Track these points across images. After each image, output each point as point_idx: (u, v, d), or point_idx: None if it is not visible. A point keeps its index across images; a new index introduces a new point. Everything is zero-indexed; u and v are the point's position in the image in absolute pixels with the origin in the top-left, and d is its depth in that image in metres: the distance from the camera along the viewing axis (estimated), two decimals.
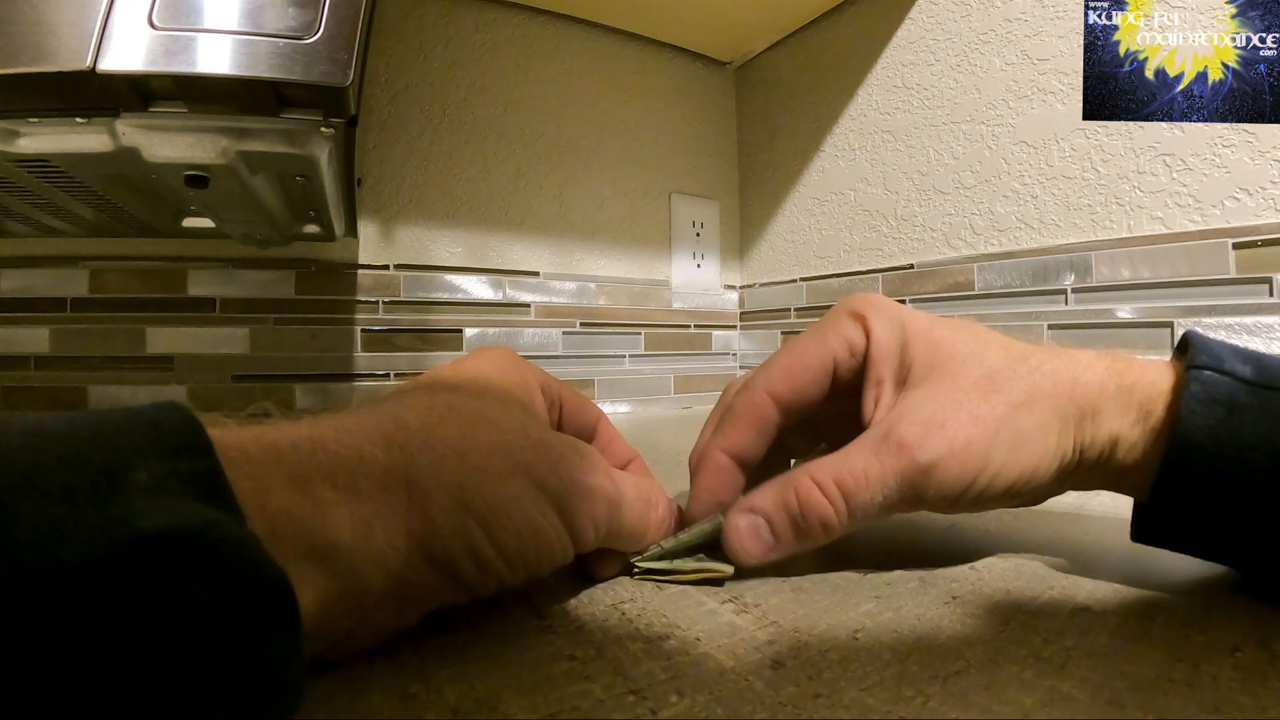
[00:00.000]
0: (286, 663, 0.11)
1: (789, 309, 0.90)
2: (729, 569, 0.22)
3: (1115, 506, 0.26)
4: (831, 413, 0.24)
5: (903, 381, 0.22)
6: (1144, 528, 0.22)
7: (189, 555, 0.10)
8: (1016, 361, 0.21)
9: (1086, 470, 0.21)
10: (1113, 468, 0.21)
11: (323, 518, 0.14)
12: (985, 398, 0.21)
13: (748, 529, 0.22)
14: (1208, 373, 0.19)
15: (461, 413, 0.19)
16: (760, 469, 0.25)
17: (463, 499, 0.17)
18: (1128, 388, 0.21)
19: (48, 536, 0.09)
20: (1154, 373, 0.21)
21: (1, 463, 0.10)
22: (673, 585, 0.22)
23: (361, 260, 0.73)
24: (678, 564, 0.23)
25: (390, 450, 0.16)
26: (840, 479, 0.21)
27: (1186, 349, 0.21)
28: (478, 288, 0.79)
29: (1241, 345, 0.21)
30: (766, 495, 0.22)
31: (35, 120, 0.35)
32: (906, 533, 0.28)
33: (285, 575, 0.11)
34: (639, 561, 0.23)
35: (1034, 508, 0.23)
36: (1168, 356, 0.22)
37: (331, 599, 0.14)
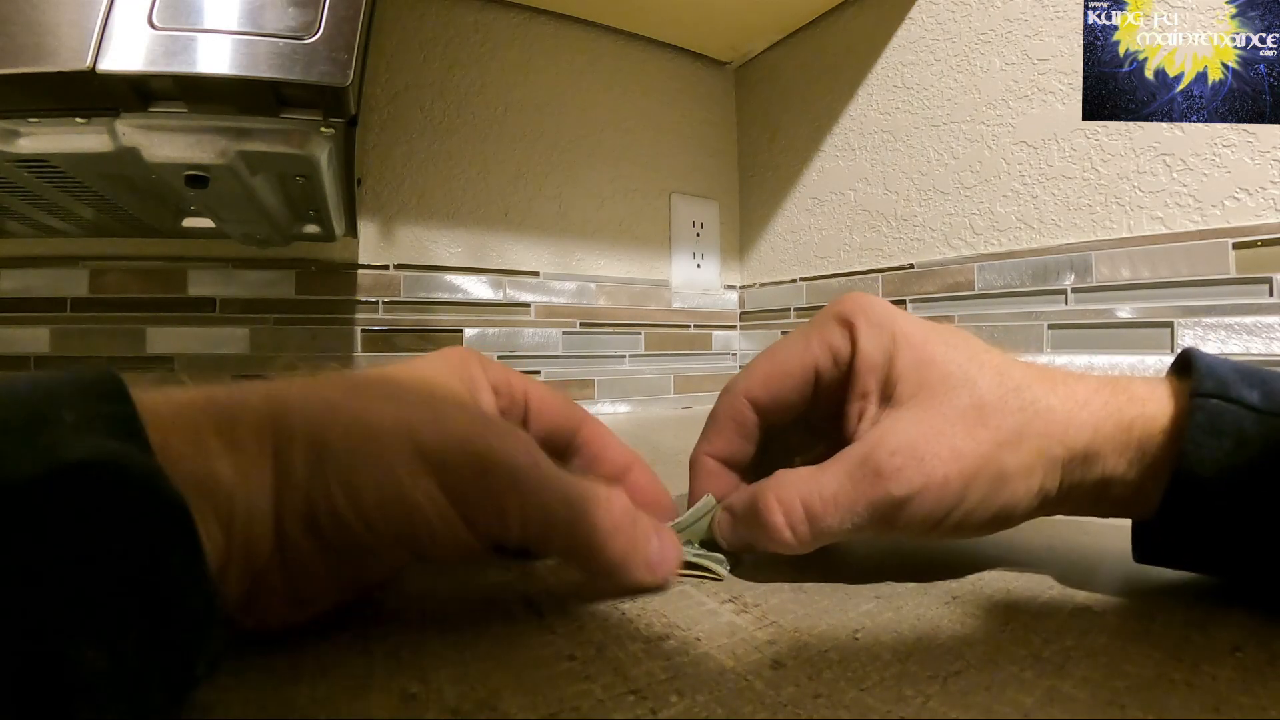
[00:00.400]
0: (190, 577, 0.13)
1: (789, 309, 0.90)
2: (723, 570, 0.23)
3: None
4: (824, 413, 0.24)
5: (888, 397, 0.22)
6: (1145, 552, 0.21)
7: (105, 479, 0.12)
8: (1010, 394, 0.20)
9: (1074, 503, 0.21)
10: (1104, 502, 0.21)
11: (208, 464, 0.15)
12: (971, 432, 0.20)
13: (727, 523, 0.23)
14: (1213, 401, 0.18)
15: (354, 380, 0.18)
16: (761, 467, 0.25)
17: (321, 451, 0.16)
18: (1126, 425, 0.20)
19: None
20: (1154, 405, 0.20)
21: None
22: (673, 584, 0.22)
23: (361, 260, 0.73)
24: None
25: (270, 402, 0.17)
26: (808, 501, 0.20)
27: (1189, 369, 0.20)
28: (478, 288, 0.79)
29: (1244, 362, 0.20)
30: (739, 500, 0.23)
31: (35, 120, 0.35)
32: None
33: (184, 499, 0.13)
34: None
35: None
36: (1168, 357, 0.22)
37: (222, 539, 0.15)
